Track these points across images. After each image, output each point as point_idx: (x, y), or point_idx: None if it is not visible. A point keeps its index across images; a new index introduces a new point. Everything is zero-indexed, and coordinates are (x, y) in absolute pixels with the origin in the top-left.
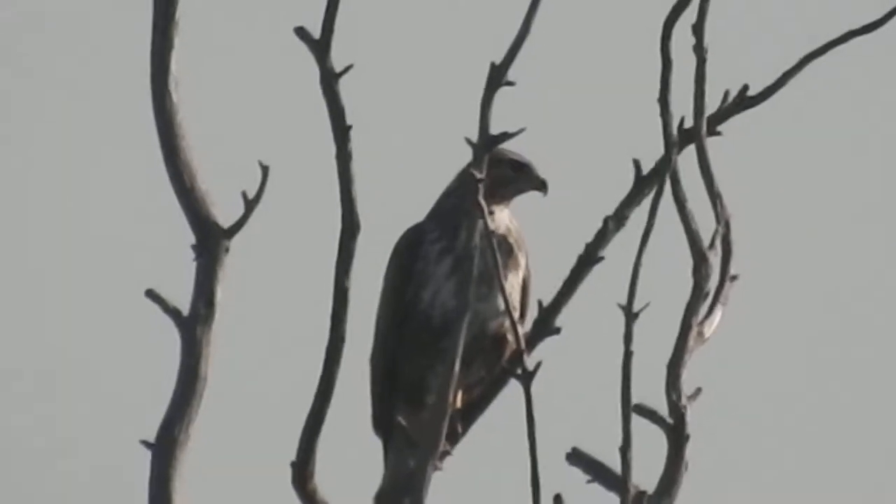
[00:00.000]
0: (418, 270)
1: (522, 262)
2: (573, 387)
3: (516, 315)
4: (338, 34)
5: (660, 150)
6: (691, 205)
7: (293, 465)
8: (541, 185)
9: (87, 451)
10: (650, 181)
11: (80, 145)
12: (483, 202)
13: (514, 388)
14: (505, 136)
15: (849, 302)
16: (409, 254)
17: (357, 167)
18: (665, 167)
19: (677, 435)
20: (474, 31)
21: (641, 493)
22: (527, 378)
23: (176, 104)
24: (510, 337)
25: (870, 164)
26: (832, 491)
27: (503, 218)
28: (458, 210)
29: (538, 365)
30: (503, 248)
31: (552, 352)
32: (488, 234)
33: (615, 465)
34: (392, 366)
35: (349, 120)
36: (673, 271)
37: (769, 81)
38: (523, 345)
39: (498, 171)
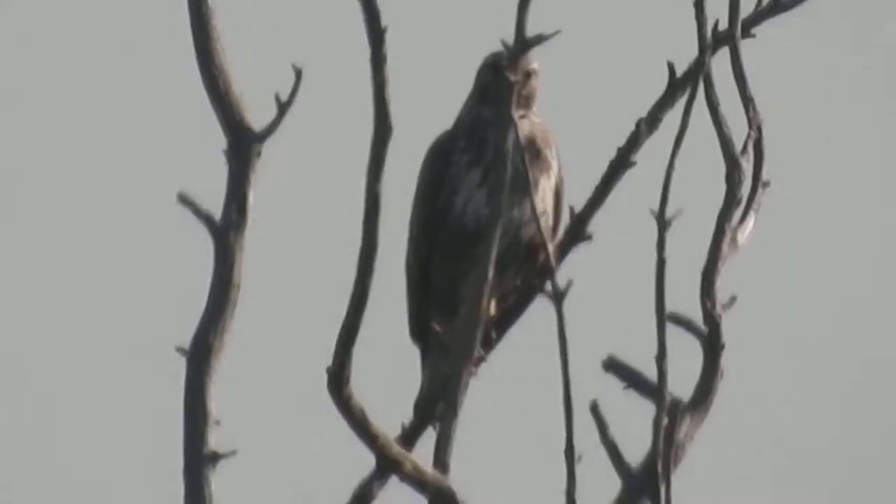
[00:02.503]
0: (451, 176)
1: (554, 165)
2: (606, 295)
3: (549, 222)
4: None
5: (693, 53)
6: (724, 109)
7: (328, 371)
8: (509, 87)
9: (122, 358)
10: (683, 84)
11: (114, 50)
12: (519, 102)
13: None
14: (540, 39)
15: (883, 205)
16: (440, 160)
17: (391, 70)
18: (698, 70)
19: (712, 343)
20: None
21: (677, 402)
22: (558, 297)
23: (211, 7)
24: (547, 243)
25: None
26: (866, 398)
27: (527, 122)
28: (481, 120)
29: (569, 284)
30: (531, 153)
31: (584, 259)
32: (518, 143)
33: (651, 374)
34: (426, 273)
35: (384, 22)
36: (705, 177)
37: None
38: (554, 263)
39: (482, 77)
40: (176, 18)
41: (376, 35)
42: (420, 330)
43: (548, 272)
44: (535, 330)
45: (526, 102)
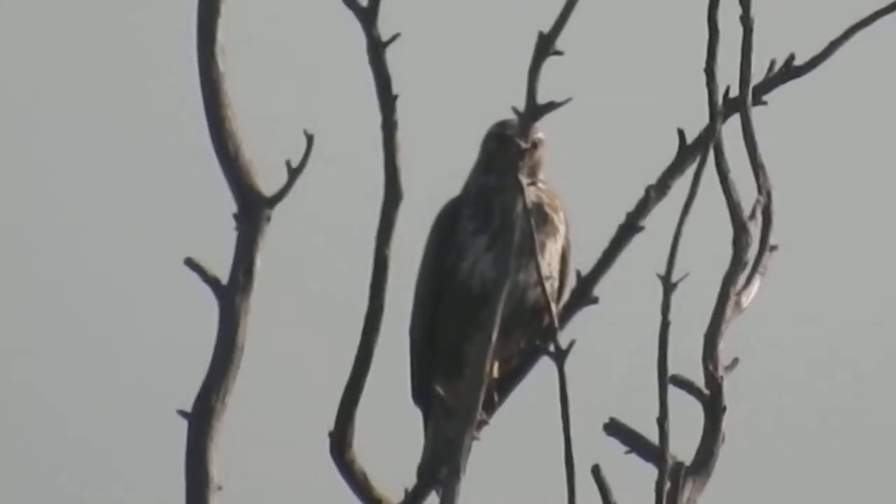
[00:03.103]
0: (457, 242)
1: (561, 229)
2: (611, 357)
3: (554, 285)
4: (385, 2)
5: (705, 120)
6: (733, 174)
7: (331, 434)
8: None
9: (125, 420)
10: (694, 151)
11: (126, 112)
12: (525, 172)
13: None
14: (552, 106)
15: (888, 275)
16: (448, 226)
17: (402, 136)
18: (709, 137)
19: (714, 406)
20: (522, 0)
21: (679, 465)
22: (560, 356)
23: (222, 73)
24: (552, 307)
25: None
26: (870, 464)
27: (534, 188)
28: (487, 188)
29: (571, 343)
30: (539, 218)
31: (590, 321)
32: (525, 207)
33: (653, 436)
34: (431, 336)
35: (395, 89)
36: (712, 241)
37: (816, 51)
38: (556, 322)
39: (488, 146)
40: (188, 82)
41: (387, 102)
42: (423, 393)
43: (551, 333)
44: (539, 392)
45: (532, 171)
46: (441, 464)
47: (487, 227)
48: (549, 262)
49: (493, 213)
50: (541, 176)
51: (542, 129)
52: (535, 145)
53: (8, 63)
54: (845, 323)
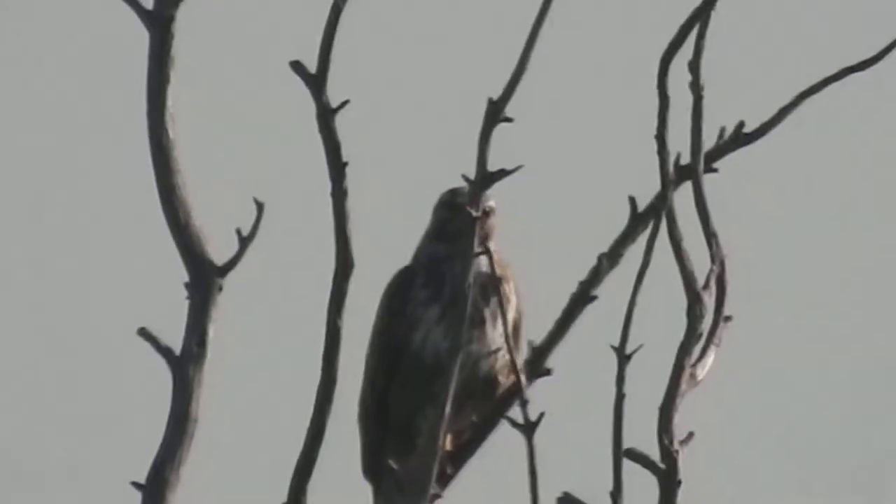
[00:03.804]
0: (408, 313)
1: (513, 300)
2: (564, 429)
3: (507, 357)
4: (334, 69)
5: (656, 187)
6: (686, 243)
7: None
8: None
9: (79, 492)
10: (646, 218)
11: (74, 180)
12: (479, 240)
13: (505, 428)
14: (503, 173)
15: (842, 345)
16: (399, 296)
17: (352, 204)
18: (661, 204)
19: (669, 480)
20: (471, 68)
21: None
22: (529, 429)
23: (172, 139)
24: (502, 379)
25: (865, 202)
26: None
27: (485, 257)
28: (438, 256)
29: (541, 415)
30: (490, 287)
31: (543, 393)
32: (476, 278)
33: None
34: (382, 408)
35: (345, 156)
36: (666, 311)
37: (765, 118)
38: (526, 395)
39: (439, 214)
40: (137, 150)
41: (337, 169)
42: (374, 466)
43: (515, 402)
44: (492, 464)
45: (483, 239)
46: None
47: (439, 296)
48: (501, 332)
49: (444, 283)
50: (492, 245)
51: (494, 197)
52: (486, 213)
53: None
54: (801, 392)
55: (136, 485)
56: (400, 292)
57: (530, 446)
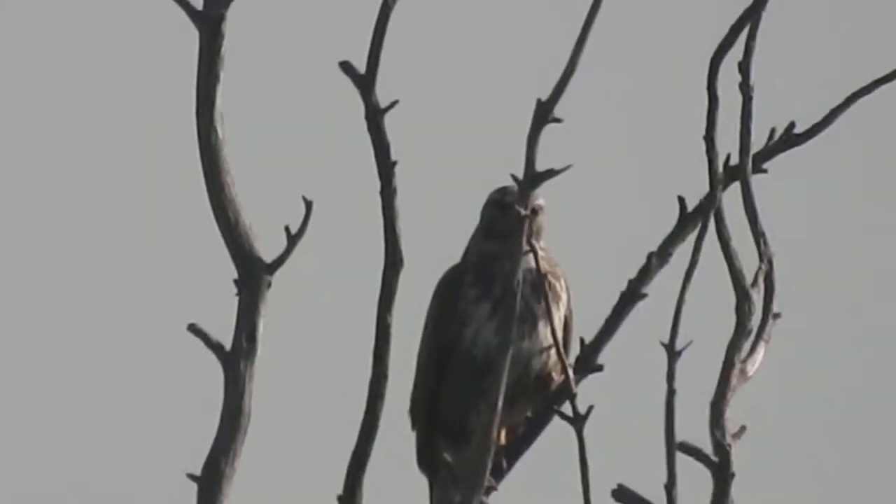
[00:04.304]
0: (459, 310)
1: (564, 298)
2: (617, 424)
3: (560, 352)
4: (383, 69)
5: (705, 188)
6: (735, 242)
7: (339, 499)
8: (519, 220)
9: (136, 485)
10: (694, 218)
11: (125, 179)
12: (527, 239)
13: (559, 423)
14: (551, 173)
15: (890, 340)
16: (450, 294)
17: (401, 202)
18: (710, 204)
19: (722, 473)
20: (521, 67)
21: None
22: (578, 421)
23: (221, 139)
24: (555, 375)
25: None
26: None
27: (537, 255)
28: (488, 254)
29: (590, 408)
30: (541, 285)
31: (595, 389)
32: (528, 275)
33: (660, 502)
34: (435, 404)
35: (394, 155)
36: (716, 308)
37: (816, 119)
38: (575, 388)
39: (488, 213)
40: (186, 148)
41: (386, 168)
42: (428, 459)
43: (566, 396)
44: (545, 458)
45: (532, 238)
46: None
47: (489, 294)
48: (552, 329)
49: (494, 281)
50: (541, 243)
51: (542, 196)
52: (535, 212)
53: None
54: (848, 388)
55: (191, 476)
56: (451, 290)
57: (580, 438)
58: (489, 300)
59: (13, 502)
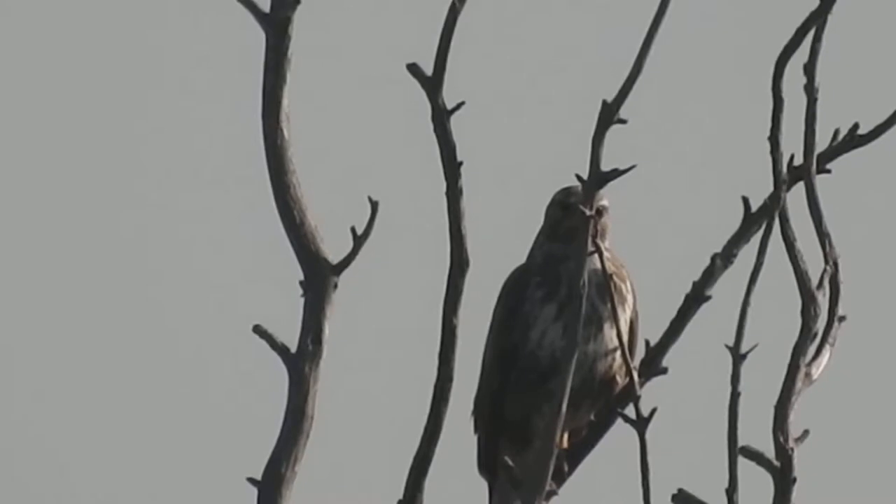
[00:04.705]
0: (525, 312)
1: (629, 300)
2: (679, 427)
3: (625, 354)
4: (450, 71)
5: (769, 188)
6: (799, 244)
7: (400, 503)
8: (584, 221)
9: (194, 487)
10: (759, 219)
11: (190, 180)
12: (592, 240)
13: (621, 427)
14: (616, 173)
15: None
16: (516, 296)
17: (467, 203)
18: (774, 205)
19: (784, 478)
20: (587, 69)
21: None
22: (641, 424)
23: (287, 140)
24: (619, 378)
25: None
26: None
27: (603, 256)
28: (553, 256)
29: (653, 411)
30: (607, 287)
31: (659, 392)
32: (605, 274)
33: None
34: (498, 406)
35: (460, 156)
36: (781, 311)
37: (880, 120)
38: (639, 391)
39: (553, 213)
40: (252, 149)
41: (452, 169)
42: (489, 463)
43: (629, 399)
44: (607, 461)
45: (597, 238)
46: None
47: (555, 295)
48: (618, 332)
49: (560, 282)
50: (606, 244)
51: (607, 197)
52: (599, 212)
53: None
54: None
55: (251, 480)
56: (516, 291)
57: (642, 441)
58: (555, 302)
59: (72, 502)
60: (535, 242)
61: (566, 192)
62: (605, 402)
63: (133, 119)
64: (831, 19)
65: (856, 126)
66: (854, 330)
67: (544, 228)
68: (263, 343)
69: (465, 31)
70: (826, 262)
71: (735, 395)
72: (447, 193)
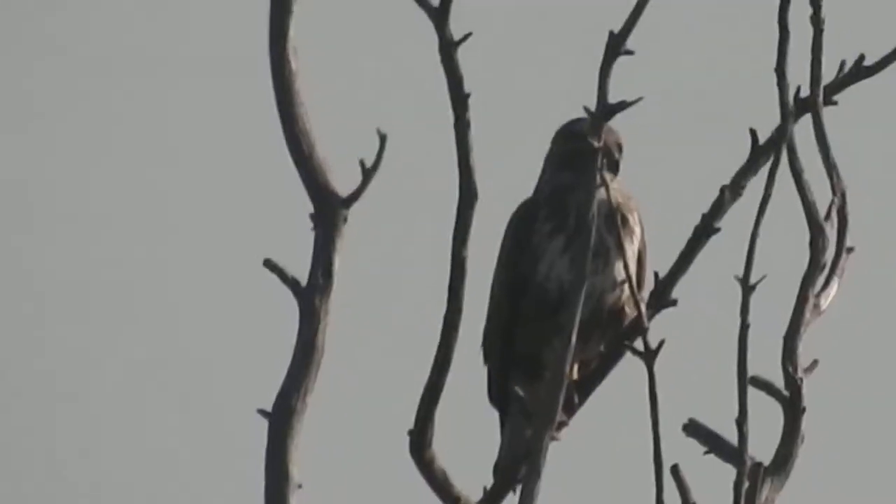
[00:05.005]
0: (534, 244)
1: (637, 232)
2: (689, 358)
3: (632, 287)
4: (457, 1)
5: (776, 120)
6: (807, 175)
7: (411, 434)
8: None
9: (206, 419)
10: (766, 151)
11: (200, 114)
12: (599, 172)
13: (631, 358)
14: (623, 105)
15: None
16: (524, 228)
17: (475, 136)
18: (781, 137)
19: (793, 407)
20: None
21: (757, 466)
22: (649, 356)
23: (294, 71)
24: (628, 310)
25: None
26: None
27: (611, 188)
28: (561, 186)
29: (661, 343)
30: (615, 219)
31: (668, 323)
32: (611, 206)
33: (731, 437)
34: (508, 339)
35: (467, 88)
36: (789, 243)
37: (886, 51)
38: (647, 323)
39: (561, 143)
40: (260, 83)
41: (459, 101)
42: (500, 394)
43: (638, 332)
44: (617, 393)
45: (615, 170)
46: (517, 463)
47: (563, 227)
48: (626, 264)
49: (568, 214)
50: (614, 177)
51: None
52: (620, 148)
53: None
54: None
55: (262, 412)
56: (524, 224)
57: (651, 373)
58: (563, 234)
59: (83, 439)
60: (542, 175)
61: (576, 122)
62: (615, 333)
63: (142, 58)
64: None
65: (862, 57)
66: (862, 261)
67: (553, 159)
68: (274, 277)
69: None
70: (833, 193)
71: (744, 327)
72: (455, 126)
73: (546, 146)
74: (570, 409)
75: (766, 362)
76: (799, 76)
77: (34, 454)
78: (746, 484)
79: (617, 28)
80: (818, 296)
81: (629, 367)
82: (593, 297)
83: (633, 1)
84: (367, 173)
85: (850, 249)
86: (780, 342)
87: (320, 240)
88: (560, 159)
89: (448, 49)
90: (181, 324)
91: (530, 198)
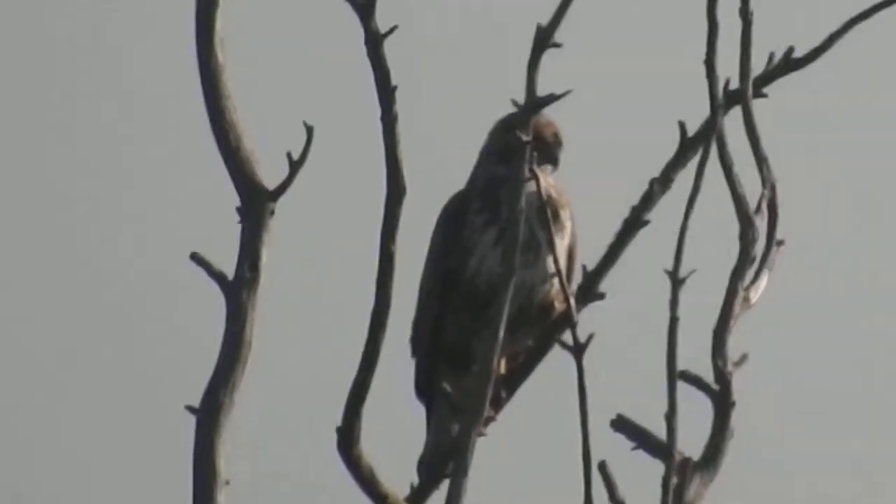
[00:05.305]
0: (464, 238)
1: (568, 226)
2: (617, 353)
3: (562, 281)
4: None
5: (705, 113)
6: (737, 168)
7: (339, 430)
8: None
9: (133, 416)
10: (696, 143)
11: (124, 107)
12: (530, 165)
13: (558, 353)
14: (551, 98)
15: (893, 266)
16: (455, 221)
17: (402, 129)
18: (711, 129)
19: (723, 402)
20: None
21: (686, 460)
22: (578, 350)
23: (221, 64)
24: (557, 304)
25: None
26: (878, 458)
27: (543, 182)
28: (496, 179)
29: (590, 337)
30: (547, 213)
31: (597, 317)
32: (542, 200)
33: (660, 432)
34: (436, 332)
35: (394, 81)
36: (719, 235)
37: (815, 43)
38: (575, 317)
39: (503, 137)
40: (187, 75)
41: (386, 94)
42: (428, 389)
43: (566, 325)
44: (545, 388)
45: (554, 163)
46: (443, 459)
47: (495, 220)
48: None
49: (500, 206)
50: (552, 170)
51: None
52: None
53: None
54: (852, 316)
55: (190, 408)
56: (455, 217)
57: (580, 367)
58: (495, 226)
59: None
60: (477, 167)
61: (512, 116)
62: (543, 327)
63: (67, 45)
64: None
65: (791, 50)
66: (792, 254)
67: (489, 151)
68: (201, 270)
69: None
70: (764, 186)
71: (674, 320)
72: (382, 119)
73: (475, 140)
74: (498, 404)
75: (696, 356)
76: (728, 69)
77: None
78: (675, 479)
79: (545, 21)
80: (748, 289)
81: (558, 361)
82: (523, 291)
83: None
84: (295, 166)
85: (780, 242)
86: (710, 336)
87: (247, 233)
88: (496, 151)
89: (374, 42)
90: (107, 317)
91: (462, 190)
